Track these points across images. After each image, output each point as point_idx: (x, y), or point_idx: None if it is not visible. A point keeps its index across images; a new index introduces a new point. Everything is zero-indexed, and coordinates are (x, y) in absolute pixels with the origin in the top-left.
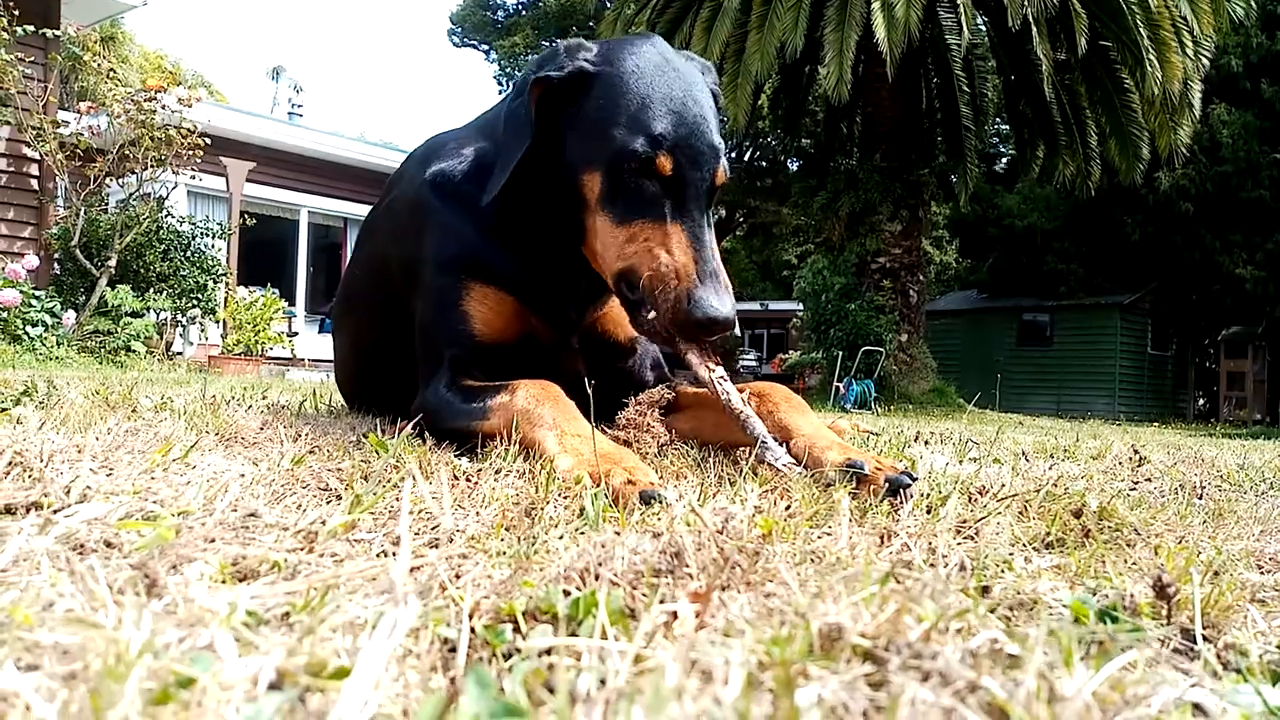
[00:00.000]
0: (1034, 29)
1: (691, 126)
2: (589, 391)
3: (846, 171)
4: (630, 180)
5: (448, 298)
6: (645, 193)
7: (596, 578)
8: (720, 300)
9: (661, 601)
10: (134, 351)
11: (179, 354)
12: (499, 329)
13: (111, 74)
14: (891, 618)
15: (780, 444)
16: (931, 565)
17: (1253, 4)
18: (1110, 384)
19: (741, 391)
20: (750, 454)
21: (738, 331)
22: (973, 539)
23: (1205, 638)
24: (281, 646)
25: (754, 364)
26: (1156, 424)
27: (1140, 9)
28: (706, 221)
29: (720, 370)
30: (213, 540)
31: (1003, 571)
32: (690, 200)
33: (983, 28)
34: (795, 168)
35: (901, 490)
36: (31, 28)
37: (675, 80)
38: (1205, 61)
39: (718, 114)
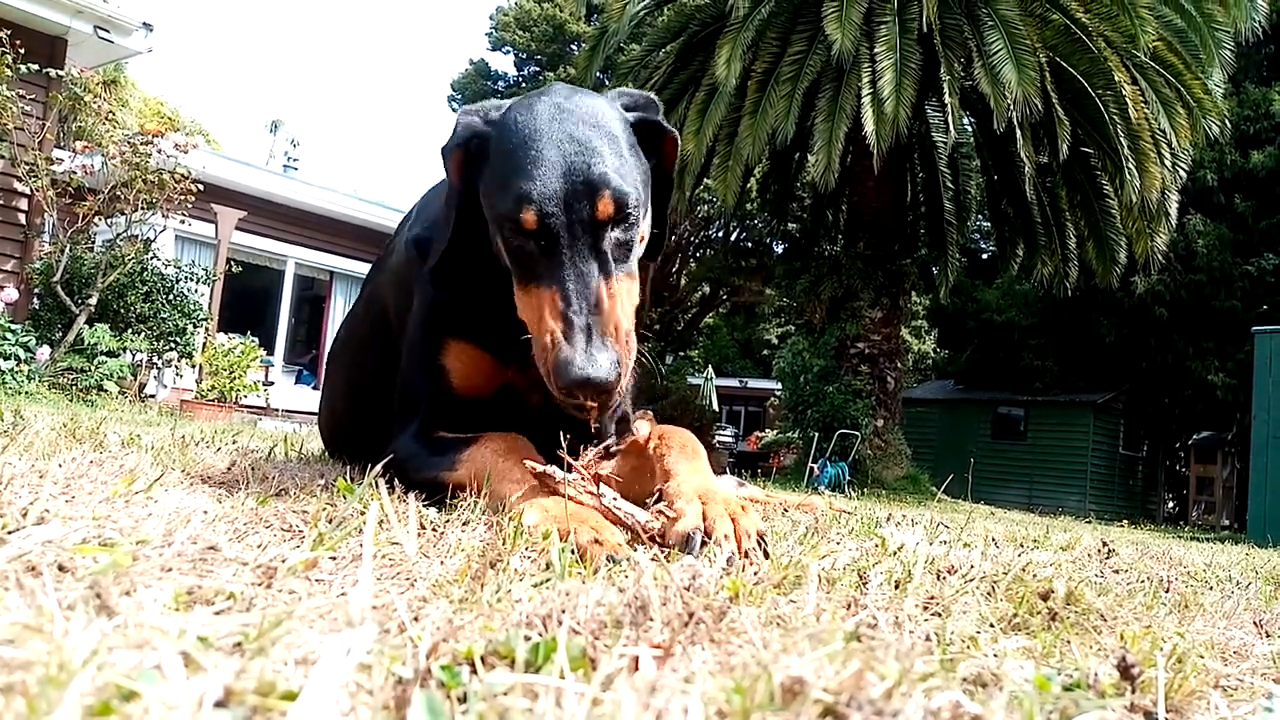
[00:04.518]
0: (1018, 132)
1: (562, 168)
2: (567, 444)
3: (830, 257)
4: (514, 242)
5: (426, 352)
6: (527, 252)
7: (559, 624)
8: (584, 357)
9: (622, 653)
10: (106, 391)
11: (151, 396)
12: (475, 384)
13: (110, 116)
14: (855, 674)
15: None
16: (898, 636)
17: (1227, 123)
18: (1082, 481)
19: (649, 436)
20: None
21: (715, 405)
22: (940, 615)
23: None
24: (230, 668)
25: (730, 440)
26: (1126, 523)
27: (1121, 119)
28: (598, 263)
29: (611, 493)
30: (169, 570)
31: (968, 647)
32: (568, 247)
33: (968, 127)
34: (780, 250)
35: (739, 565)
36: (36, 66)
37: (558, 125)
38: (1182, 173)
39: (624, 148)
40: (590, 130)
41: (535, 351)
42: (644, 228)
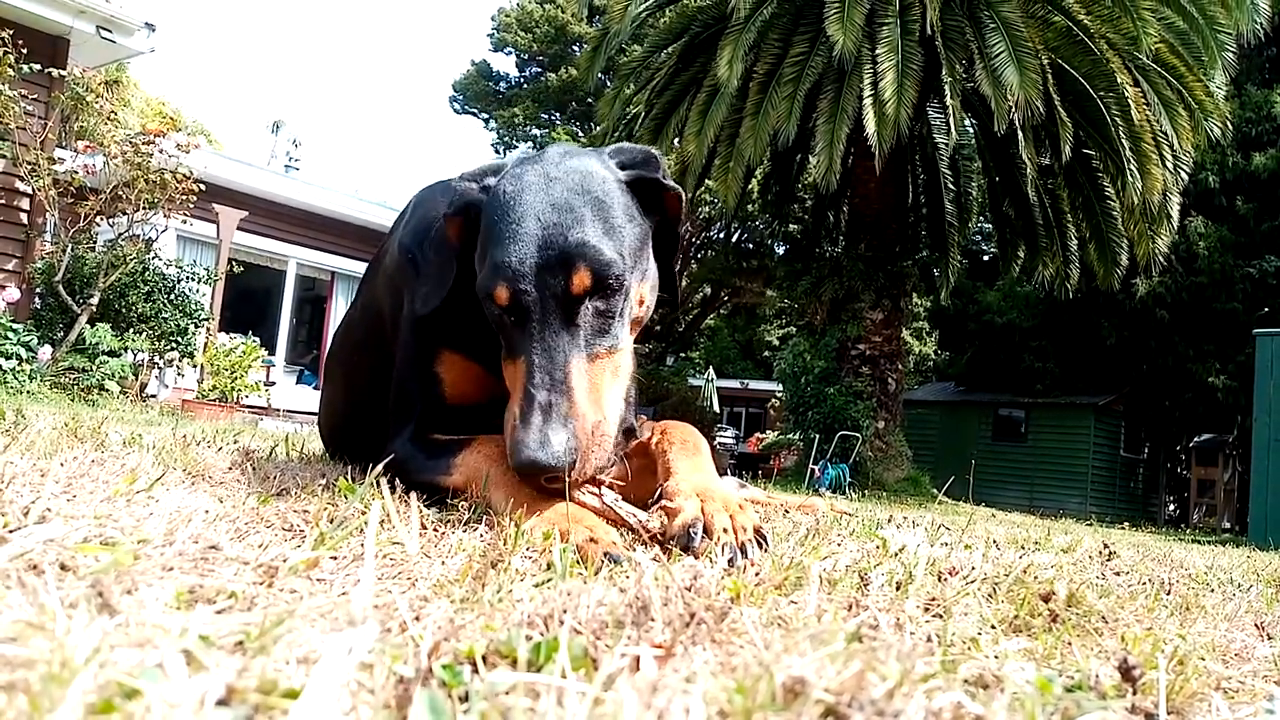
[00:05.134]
0: (1020, 134)
1: (537, 241)
2: None
3: (831, 258)
4: (492, 313)
5: (418, 358)
6: (505, 325)
7: (561, 624)
8: (537, 438)
9: (624, 652)
10: (107, 391)
11: (153, 396)
12: (466, 393)
13: (112, 116)
14: (856, 675)
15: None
16: (899, 637)
17: (1229, 124)
18: (1083, 483)
19: (652, 433)
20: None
21: (716, 407)
22: (941, 617)
23: None
24: (232, 666)
25: (731, 441)
26: (1127, 525)
27: (1123, 121)
28: (569, 337)
29: (612, 495)
30: (171, 569)
31: (969, 648)
32: (538, 322)
33: (970, 129)
34: (781, 251)
35: (739, 562)
36: (38, 66)
37: (541, 195)
38: (1184, 175)
39: (620, 203)
40: (575, 197)
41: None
42: (640, 292)
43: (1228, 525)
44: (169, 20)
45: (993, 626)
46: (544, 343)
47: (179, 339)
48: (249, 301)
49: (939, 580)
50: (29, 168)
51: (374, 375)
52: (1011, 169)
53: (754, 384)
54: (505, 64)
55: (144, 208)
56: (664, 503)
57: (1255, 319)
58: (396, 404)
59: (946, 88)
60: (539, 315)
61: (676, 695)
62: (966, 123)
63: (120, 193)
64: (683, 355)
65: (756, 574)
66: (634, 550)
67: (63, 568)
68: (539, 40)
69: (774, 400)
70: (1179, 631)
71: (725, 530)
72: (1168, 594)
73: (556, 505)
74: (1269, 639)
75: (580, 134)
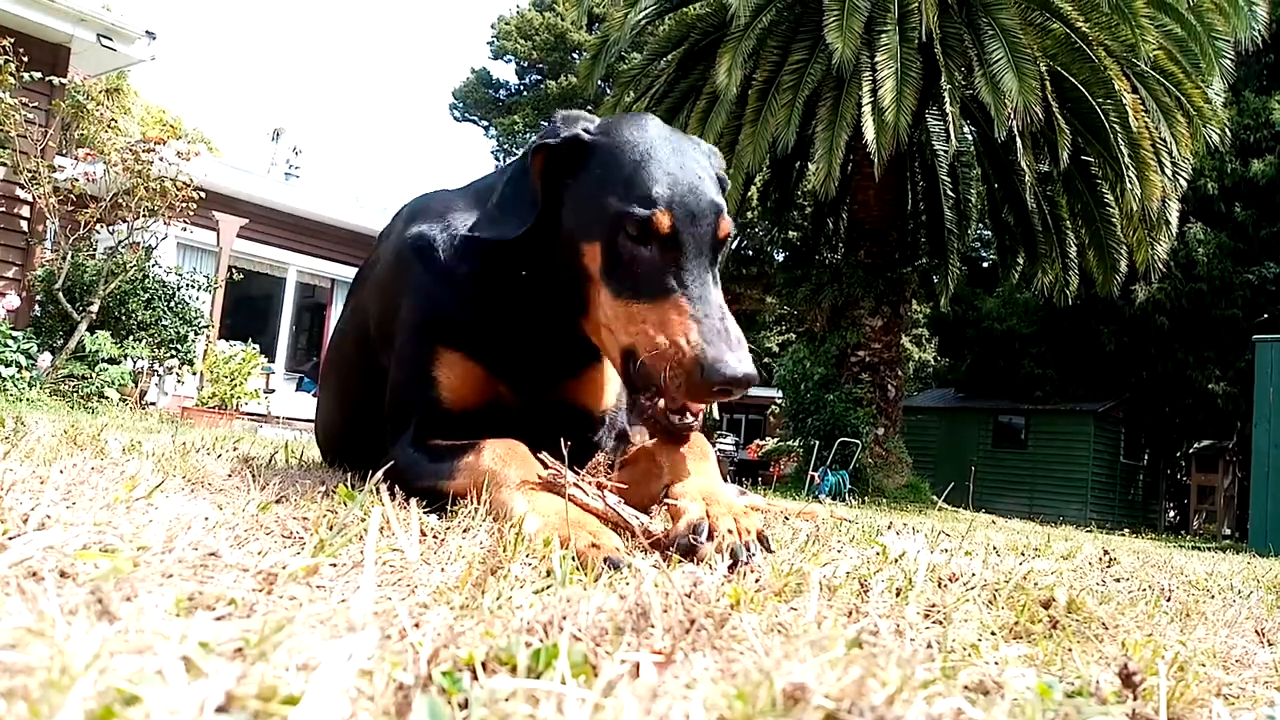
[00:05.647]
0: (1019, 141)
1: (688, 185)
2: (563, 454)
3: (831, 265)
4: (629, 248)
5: (417, 362)
6: (645, 260)
7: (560, 631)
8: (734, 356)
9: (624, 659)
10: (107, 398)
11: (152, 403)
12: (465, 396)
13: (112, 124)
14: (856, 681)
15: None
16: (899, 643)
17: (1227, 131)
18: (1083, 490)
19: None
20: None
21: (715, 413)
22: (941, 623)
23: None
24: (232, 673)
25: (731, 448)
26: (1127, 532)
27: (1122, 128)
28: (713, 279)
29: (614, 498)
30: (170, 576)
31: (970, 655)
32: (692, 258)
33: (969, 136)
34: (781, 258)
35: (742, 561)
36: (39, 74)
37: (672, 148)
38: (1183, 182)
39: (719, 186)
40: (702, 164)
41: (647, 357)
42: None
43: (1228, 531)
44: (170, 28)
45: (993, 633)
46: (700, 279)
47: (179, 346)
48: (249, 309)
49: (939, 587)
50: (29, 175)
51: (365, 384)
52: (1010, 176)
53: (754, 390)
54: (505, 72)
55: (144, 215)
56: (669, 503)
57: (1255, 325)
58: (395, 409)
59: (945, 95)
60: (694, 251)
61: (677, 701)
62: (965, 130)
63: (120, 200)
64: None
65: (757, 580)
66: (634, 556)
67: (62, 574)
68: (539, 48)
69: (774, 407)
70: (1179, 638)
71: (730, 531)
72: (1168, 600)
73: (558, 508)
74: (1269, 645)
75: None
